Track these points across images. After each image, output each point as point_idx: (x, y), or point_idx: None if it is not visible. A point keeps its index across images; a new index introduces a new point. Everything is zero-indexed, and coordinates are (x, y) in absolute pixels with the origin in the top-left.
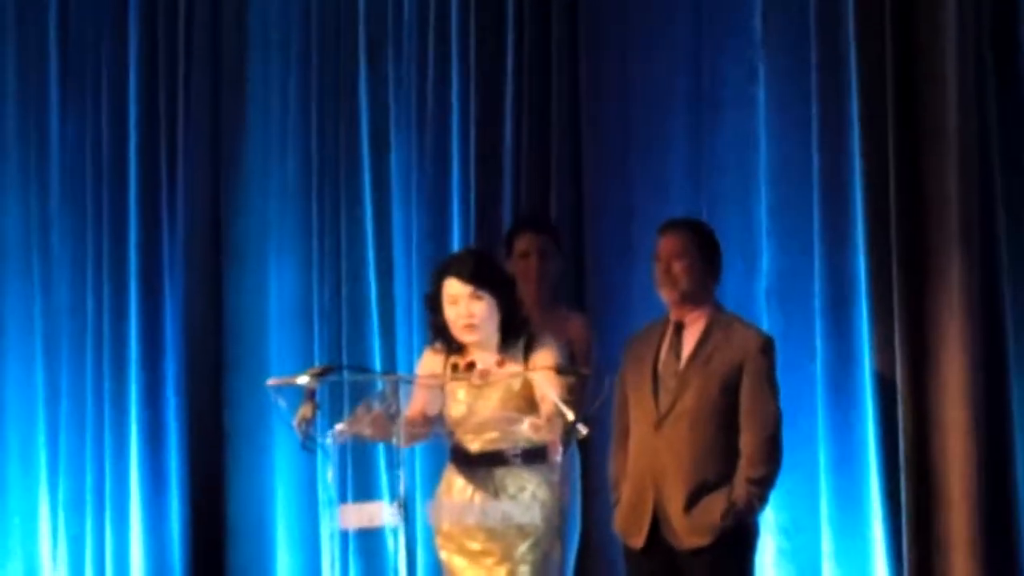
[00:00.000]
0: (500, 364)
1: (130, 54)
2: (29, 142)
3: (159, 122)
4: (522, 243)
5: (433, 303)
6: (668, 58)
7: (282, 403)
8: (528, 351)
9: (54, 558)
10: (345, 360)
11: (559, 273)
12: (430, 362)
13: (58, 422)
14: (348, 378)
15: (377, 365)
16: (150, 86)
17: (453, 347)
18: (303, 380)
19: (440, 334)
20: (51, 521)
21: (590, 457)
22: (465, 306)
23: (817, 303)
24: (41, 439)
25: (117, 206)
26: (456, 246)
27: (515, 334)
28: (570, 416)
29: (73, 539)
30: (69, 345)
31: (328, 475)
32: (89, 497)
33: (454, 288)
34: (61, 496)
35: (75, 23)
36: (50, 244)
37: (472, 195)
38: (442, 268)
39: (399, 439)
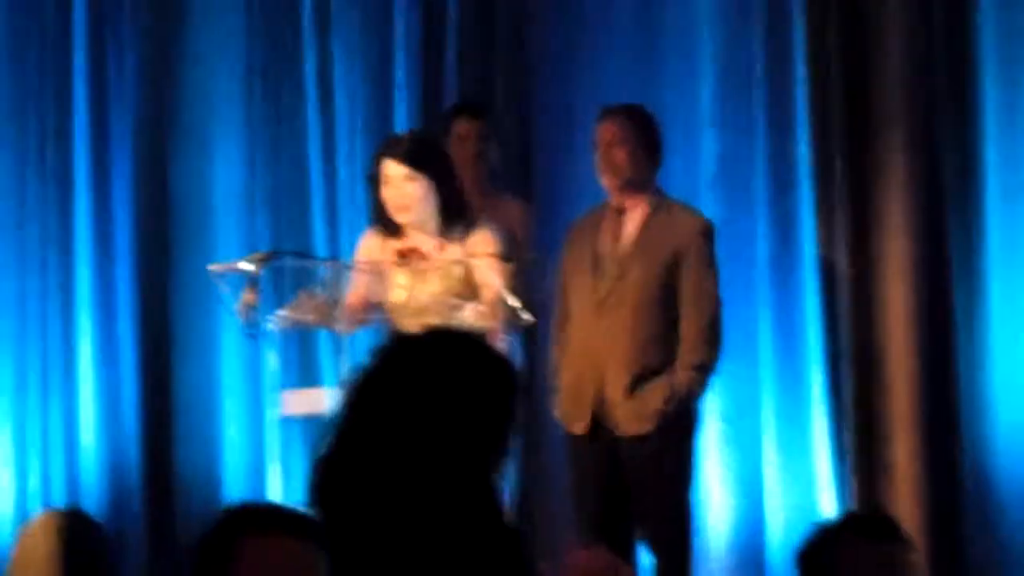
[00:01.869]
0: (440, 249)
1: None
2: None
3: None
4: (459, 127)
5: (372, 185)
6: None
7: (225, 289)
8: (467, 236)
9: None
10: (288, 246)
11: (497, 159)
12: (371, 245)
13: None
14: (291, 263)
15: (321, 251)
16: None
17: (391, 229)
18: (245, 266)
19: (380, 217)
20: None
21: (534, 344)
22: (398, 187)
23: (760, 188)
24: None
25: (62, 82)
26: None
27: (455, 218)
28: (513, 303)
29: (16, 422)
30: (11, 225)
31: (270, 361)
32: (32, 378)
33: (389, 169)
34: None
35: None
36: None
37: (416, 81)
38: (379, 150)
39: (341, 325)
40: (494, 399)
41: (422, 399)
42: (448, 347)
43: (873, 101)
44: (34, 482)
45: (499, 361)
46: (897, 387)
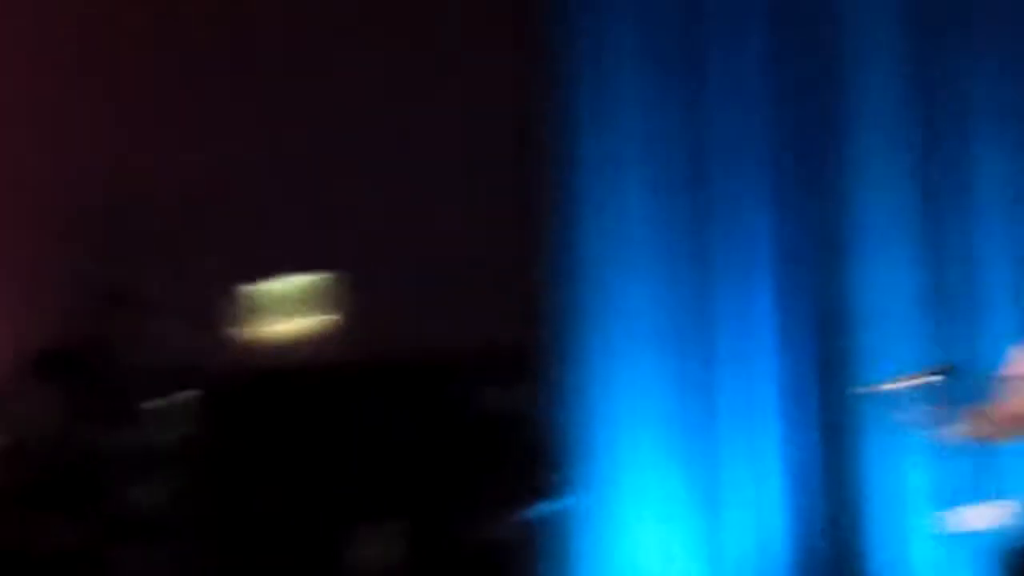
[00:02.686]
0: None
1: None
2: None
3: None
4: None
5: None
6: None
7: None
8: None
9: None
10: (947, 355)
11: None
12: None
13: None
14: (957, 376)
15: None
16: None
17: None
18: (888, 387)
19: None
20: None
21: None
22: None
23: None
24: None
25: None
26: None
27: None
28: None
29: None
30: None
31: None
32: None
33: None
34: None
35: None
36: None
37: None
38: None
39: (1000, 437)
40: None
41: None
42: None
43: None
44: None
45: None
46: None
